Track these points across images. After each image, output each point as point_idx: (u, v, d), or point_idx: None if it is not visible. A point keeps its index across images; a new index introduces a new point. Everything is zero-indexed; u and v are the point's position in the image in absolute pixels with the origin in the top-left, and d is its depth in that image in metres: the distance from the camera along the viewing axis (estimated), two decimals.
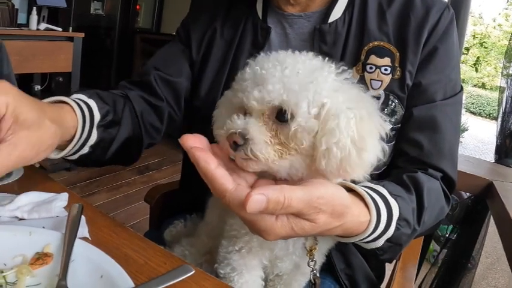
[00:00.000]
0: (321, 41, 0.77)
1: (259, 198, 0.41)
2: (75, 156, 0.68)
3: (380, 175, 0.76)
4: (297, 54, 0.55)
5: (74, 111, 0.63)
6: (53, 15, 3.26)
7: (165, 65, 0.87)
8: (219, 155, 0.50)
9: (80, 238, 0.55)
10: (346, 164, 0.50)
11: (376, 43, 0.74)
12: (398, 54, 0.73)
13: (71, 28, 3.23)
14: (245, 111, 0.53)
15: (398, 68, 0.73)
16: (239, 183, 0.47)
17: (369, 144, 0.51)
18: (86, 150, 0.68)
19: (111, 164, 0.81)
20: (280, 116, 0.50)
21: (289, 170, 0.52)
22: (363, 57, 0.74)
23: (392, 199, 0.58)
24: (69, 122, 0.62)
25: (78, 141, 0.65)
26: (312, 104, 0.50)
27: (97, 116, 0.68)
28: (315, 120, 0.50)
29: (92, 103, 0.68)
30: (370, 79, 0.74)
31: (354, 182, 0.56)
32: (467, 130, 6.25)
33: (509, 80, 1.86)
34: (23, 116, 0.48)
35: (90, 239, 0.59)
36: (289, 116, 0.50)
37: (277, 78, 0.50)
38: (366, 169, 0.53)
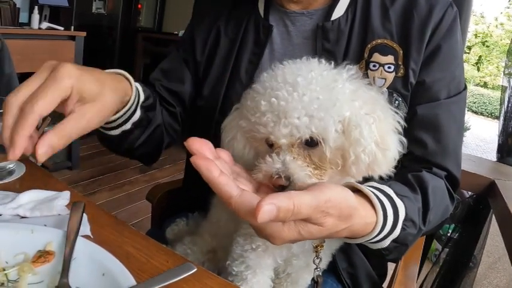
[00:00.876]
0: (323, 38, 0.76)
1: (270, 208, 0.41)
2: (118, 131, 0.71)
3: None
4: (303, 68, 0.54)
5: (131, 85, 0.67)
6: (55, 14, 3.26)
7: (166, 76, 0.91)
8: (225, 158, 0.51)
9: (81, 236, 0.55)
10: (374, 166, 0.53)
11: (379, 41, 0.74)
12: (401, 52, 0.73)
13: (72, 27, 3.22)
14: (268, 141, 0.54)
15: (401, 66, 0.73)
16: (244, 187, 0.47)
17: (390, 142, 0.54)
18: (128, 126, 0.71)
19: (137, 157, 0.87)
20: (309, 142, 0.52)
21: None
22: (366, 55, 0.74)
23: (399, 199, 0.58)
24: (127, 92, 0.66)
25: (126, 112, 0.68)
26: (336, 122, 0.52)
27: (142, 96, 0.72)
28: (342, 135, 0.52)
29: (138, 84, 0.71)
30: (374, 77, 0.73)
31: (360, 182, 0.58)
32: (469, 129, 6.25)
33: (511, 79, 1.86)
34: (86, 93, 0.53)
35: (92, 237, 0.59)
36: (317, 140, 0.51)
37: (300, 109, 0.50)
38: (391, 165, 0.56)
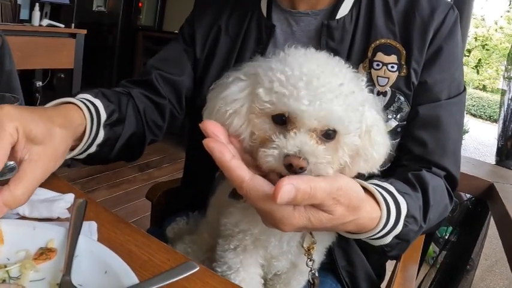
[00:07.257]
0: (328, 37, 0.77)
1: (289, 188, 0.41)
2: (83, 156, 0.69)
3: (384, 172, 0.76)
4: (330, 60, 0.53)
5: (82, 111, 0.64)
6: (56, 12, 3.27)
7: (166, 64, 0.88)
8: (236, 146, 0.51)
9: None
10: (379, 163, 0.57)
11: (383, 40, 0.75)
12: (404, 52, 0.74)
13: (73, 25, 3.22)
14: (283, 116, 0.49)
15: (404, 66, 0.74)
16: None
17: (388, 140, 0.58)
18: (93, 149, 0.69)
19: (116, 161, 0.82)
20: (327, 134, 0.50)
21: None
22: (369, 54, 0.75)
23: (401, 196, 0.59)
24: (78, 121, 0.62)
25: (87, 140, 0.65)
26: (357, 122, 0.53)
27: (103, 116, 0.68)
28: (357, 136, 0.54)
29: (98, 102, 0.69)
30: (377, 76, 0.74)
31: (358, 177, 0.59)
32: (467, 132, 6.26)
33: (510, 83, 1.86)
34: (32, 133, 0.49)
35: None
36: (334, 134, 0.50)
37: (337, 96, 0.48)
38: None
